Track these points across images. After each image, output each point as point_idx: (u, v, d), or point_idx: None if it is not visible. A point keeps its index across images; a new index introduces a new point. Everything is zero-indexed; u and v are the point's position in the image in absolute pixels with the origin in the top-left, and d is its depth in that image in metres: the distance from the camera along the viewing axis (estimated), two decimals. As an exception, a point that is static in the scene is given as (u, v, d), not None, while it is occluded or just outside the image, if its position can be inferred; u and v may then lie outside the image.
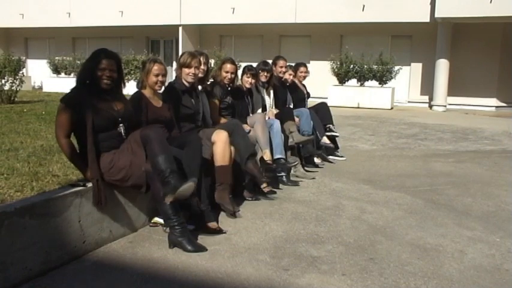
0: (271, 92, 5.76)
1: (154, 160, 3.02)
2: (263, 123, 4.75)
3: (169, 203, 3.02)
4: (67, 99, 3.11)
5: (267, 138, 4.72)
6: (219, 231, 3.44)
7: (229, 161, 3.86)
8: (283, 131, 5.06)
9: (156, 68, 3.65)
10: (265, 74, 5.46)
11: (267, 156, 4.63)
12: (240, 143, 4.12)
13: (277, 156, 4.82)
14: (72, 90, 3.18)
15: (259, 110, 5.47)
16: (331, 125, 6.29)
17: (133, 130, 3.27)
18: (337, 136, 6.41)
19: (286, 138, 5.16)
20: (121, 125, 3.22)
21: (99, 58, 3.16)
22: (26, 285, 2.57)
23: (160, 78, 3.66)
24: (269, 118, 5.18)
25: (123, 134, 3.23)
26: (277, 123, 4.96)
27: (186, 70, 4.04)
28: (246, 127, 4.69)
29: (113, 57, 3.22)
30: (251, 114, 5.15)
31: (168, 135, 3.61)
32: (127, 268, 2.86)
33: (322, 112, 6.35)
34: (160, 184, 3.04)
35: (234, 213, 3.81)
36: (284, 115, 5.41)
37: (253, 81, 5.12)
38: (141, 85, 3.74)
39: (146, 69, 3.69)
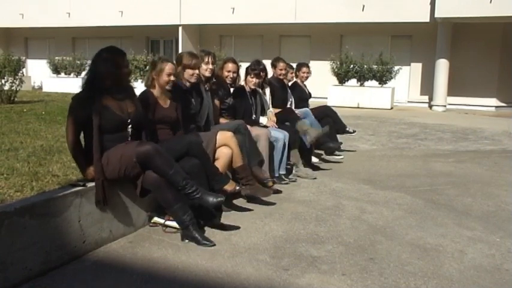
0: (267, 91, 5.75)
1: (167, 174, 3.10)
2: (265, 144, 4.71)
3: (178, 205, 3.15)
4: (78, 98, 3.14)
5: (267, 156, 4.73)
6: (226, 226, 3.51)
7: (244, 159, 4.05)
8: (290, 137, 5.07)
9: (168, 67, 3.66)
10: (260, 73, 5.43)
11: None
12: (243, 143, 4.19)
13: (280, 172, 4.91)
14: (83, 89, 3.19)
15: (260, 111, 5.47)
16: (347, 128, 6.55)
17: (141, 131, 3.34)
18: (353, 133, 6.71)
19: (296, 140, 5.20)
20: (129, 127, 3.24)
21: (105, 56, 3.17)
22: (26, 285, 2.57)
23: (172, 77, 3.67)
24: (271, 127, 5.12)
25: (129, 138, 3.25)
26: (282, 139, 4.92)
27: (189, 71, 4.02)
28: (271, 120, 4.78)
29: (120, 53, 3.26)
30: (254, 116, 5.12)
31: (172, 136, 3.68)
32: (127, 268, 2.86)
33: (332, 118, 6.42)
34: (177, 194, 3.14)
35: (274, 190, 4.15)
36: (289, 117, 5.38)
37: (257, 81, 5.09)
38: (150, 84, 3.74)
39: (158, 69, 3.67)
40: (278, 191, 4.50)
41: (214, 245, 3.17)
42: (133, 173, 3.12)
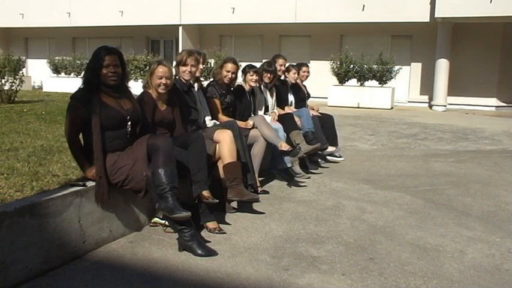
0: (274, 93, 5.76)
1: (156, 171, 3.00)
2: (265, 123, 4.78)
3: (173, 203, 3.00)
4: (78, 97, 3.12)
5: (275, 133, 4.75)
6: (219, 231, 3.45)
7: (237, 157, 3.88)
8: (287, 140, 5.07)
9: (159, 70, 3.65)
10: (269, 75, 5.44)
11: (285, 146, 4.64)
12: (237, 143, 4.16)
13: (288, 165, 4.89)
14: (82, 88, 3.18)
15: (261, 111, 5.46)
16: (335, 147, 6.10)
17: (139, 131, 3.28)
18: (339, 161, 6.20)
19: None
20: (129, 123, 3.21)
21: (101, 56, 3.15)
22: (26, 285, 2.57)
23: (163, 80, 3.64)
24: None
25: (128, 134, 3.22)
26: (280, 133, 4.95)
27: (182, 68, 4.08)
28: (249, 124, 4.71)
29: (115, 53, 3.21)
30: (253, 115, 5.14)
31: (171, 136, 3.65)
32: (127, 268, 2.86)
33: (327, 129, 6.10)
34: (156, 195, 3.04)
35: (258, 199, 3.90)
36: (287, 124, 5.36)
37: (257, 78, 5.09)
38: (147, 85, 3.74)
39: (150, 71, 3.70)
40: (265, 192, 4.55)
41: (216, 254, 3.07)
42: (136, 187, 3.12)
